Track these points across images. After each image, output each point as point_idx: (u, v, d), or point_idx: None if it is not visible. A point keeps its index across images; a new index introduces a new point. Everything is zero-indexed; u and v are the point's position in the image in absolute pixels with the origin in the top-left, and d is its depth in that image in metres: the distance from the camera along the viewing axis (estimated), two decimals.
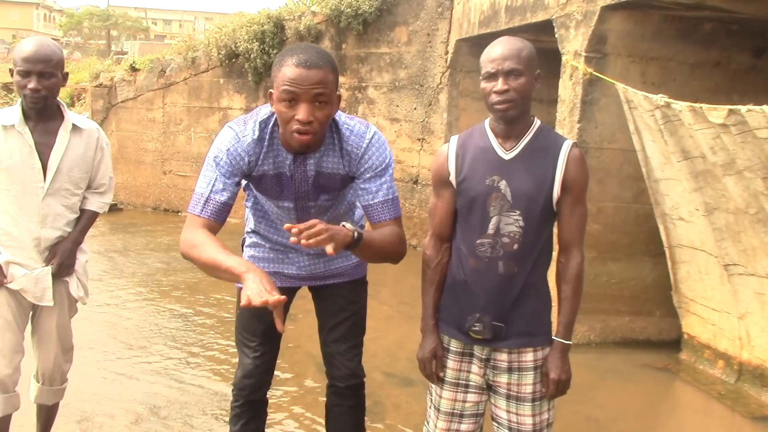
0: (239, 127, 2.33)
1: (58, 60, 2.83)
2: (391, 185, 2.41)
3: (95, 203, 3.15)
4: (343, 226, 2.12)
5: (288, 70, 2.11)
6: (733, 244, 4.34)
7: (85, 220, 3.11)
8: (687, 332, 5.09)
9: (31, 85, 2.75)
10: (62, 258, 2.99)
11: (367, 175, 2.38)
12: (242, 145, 2.30)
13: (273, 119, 2.32)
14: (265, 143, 2.33)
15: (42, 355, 3.14)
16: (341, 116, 2.38)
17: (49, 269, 2.97)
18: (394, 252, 2.36)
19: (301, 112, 2.12)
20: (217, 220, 2.27)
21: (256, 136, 2.31)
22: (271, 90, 2.21)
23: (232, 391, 2.78)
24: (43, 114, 2.88)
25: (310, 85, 2.11)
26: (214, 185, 2.28)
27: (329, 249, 1.98)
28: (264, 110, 2.36)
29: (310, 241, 1.96)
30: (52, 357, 3.15)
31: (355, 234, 2.13)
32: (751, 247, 4.21)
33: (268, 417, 2.91)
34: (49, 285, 2.99)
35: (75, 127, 2.98)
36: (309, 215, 2.51)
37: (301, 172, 2.38)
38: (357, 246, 2.16)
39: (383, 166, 2.39)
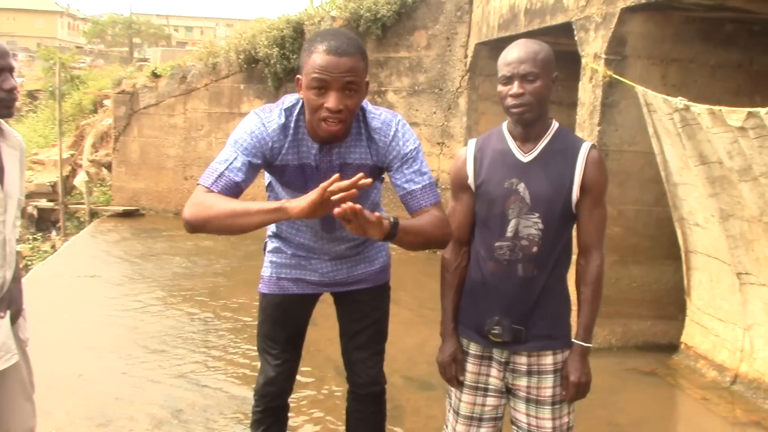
0: (264, 114, 2.30)
1: None
2: (425, 171, 2.34)
3: (17, 229, 2.54)
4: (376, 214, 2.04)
5: (318, 57, 2.08)
6: (746, 252, 4.30)
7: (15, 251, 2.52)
8: (684, 342, 5.04)
9: (8, 84, 2.26)
10: (18, 304, 2.49)
11: (397, 164, 2.33)
12: (267, 130, 2.26)
13: (298, 107, 2.29)
14: (290, 131, 2.29)
15: (14, 417, 2.53)
16: (368, 105, 2.36)
17: (7, 318, 2.40)
18: (436, 235, 2.25)
19: (331, 101, 2.09)
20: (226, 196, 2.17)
21: (282, 122, 2.28)
22: (299, 76, 2.18)
23: (254, 396, 2.77)
24: None
25: (340, 73, 2.08)
26: (231, 163, 2.20)
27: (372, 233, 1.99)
28: (289, 98, 2.34)
29: (341, 205, 1.89)
30: (25, 415, 2.58)
31: (391, 219, 2.07)
32: (764, 256, 4.17)
33: (288, 420, 2.91)
34: (12, 336, 2.42)
35: (10, 140, 2.43)
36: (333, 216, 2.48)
37: (327, 162, 2.33)
38: (395, 232, 2.08)
39: (413, 151, 2.34)
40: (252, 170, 2.24)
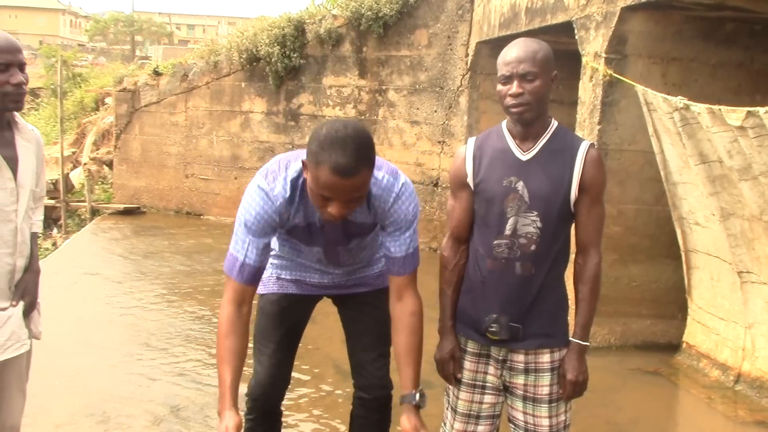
0: (269, 186, 2.26)
1: None
2: (413, 238, 2.39)
3: (37, 223, 2.66)
4: (402, 402, 2.30)
5: (324, 174, 2.02)
6: (747, 251, 4.30)
7: (35, 245, 2.63)
8: (686, 341, 5.04)
9: (16, 79, 2.34)
10: (33, 296, 2.58)
11: (391, 229, 2.36)
12: (273, 206, 2.26)
13: (304, 177, 2.26)
14: (296, 200, 2.29)
15: (7, 407, 2.60)
16: None
17: (20, 308, 2.51)
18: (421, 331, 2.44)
19: (336, 211, 2.11)
20: (253, 282, 2.34)
21: (287, 196, 2.26)
22: (304, 160, 2.14)
23: (246, 402, 2.70)
24: (1, 120, 2.42)
25: (346, 192, 2.06)
26: (248, 251, 2.27)
27: None
28: (293, 166, 2.28)
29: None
30: (18, 406, 2.65)
31: (417, 398, 2.35)
32: (765, 255, 4.17)
33: (287, 418, 2.90)
34: (23, 325, 2.52)
35: (25, 133, 2.54)
36: (338, 256, 2.55)
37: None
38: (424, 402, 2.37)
39: (409, 220, 2.35)
40: (266, 246, 2.33)
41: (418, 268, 2.44)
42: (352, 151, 2.02)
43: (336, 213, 2.11)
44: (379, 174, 2.29)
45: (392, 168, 2.36)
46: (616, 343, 5.21)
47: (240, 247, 2.28)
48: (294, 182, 2.26)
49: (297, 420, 3.88)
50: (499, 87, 2.26)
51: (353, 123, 2.12)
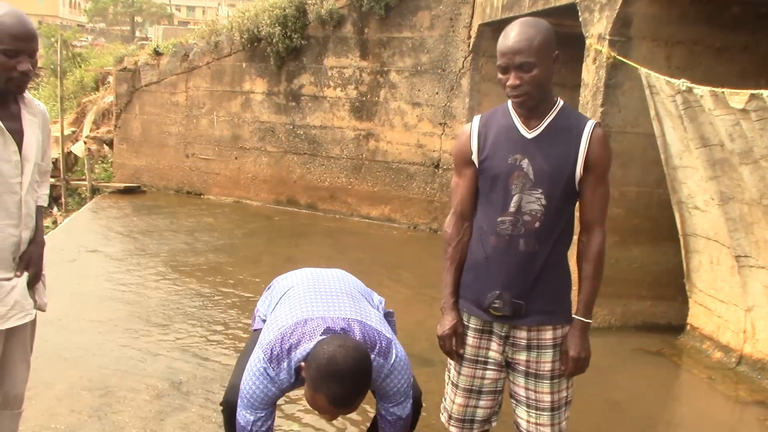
0: (273, 371, 2.29)
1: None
2: (405, 406, 2.45)
3: (42, 197, 2.72)
4: None
5: (320, 402, 2.12)
6: (746, 235, 4.32)
7: (40, 218, 2.69)
8: (690, 323, 5.08)
9: (23, 67, 2.38)
10: (37, 267, 2.63)
11: (383, 400, 2.43)
12: (280, 388, 2.32)
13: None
14: (300, 381, 2.32)
15: (11, 377, 2.68)
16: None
17: (24, 278, 2.57)
18: None
19: (330, 418, 2.24)
20: None
21: (293, 381, 2.31)
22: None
23: (223, 411, 2.64)
24: (4, 95, 2.47)
25: (340, 414, 2.18)
26: (253, 424, 2.34)
27: None
28: (297, 352, 2.27)
29: None
30: (22, 376, 2.73)
31: None
32: (763, 239, 4.19)
33: (286, 409, 2.86)
34: (28, 296, 2.59)
35: (31, 107, 2.60)
36: None
37: None
38: None
39: (401, 393, 2.41)
40: (272, 412, 2.39)
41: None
42: (350, 386, 2.09)
43: (330, 420, 2.28)
44: (371, 355, 2.29)
45: (385, 344, 2.35)
46: (616, 324, 5.24)
47: (249, 420, 2.34)
48: (298, 370, 2.28)
49: (296, 410, 3.87)
50: (499, 75, 2.27)
51: (354, 350, 2.14)
